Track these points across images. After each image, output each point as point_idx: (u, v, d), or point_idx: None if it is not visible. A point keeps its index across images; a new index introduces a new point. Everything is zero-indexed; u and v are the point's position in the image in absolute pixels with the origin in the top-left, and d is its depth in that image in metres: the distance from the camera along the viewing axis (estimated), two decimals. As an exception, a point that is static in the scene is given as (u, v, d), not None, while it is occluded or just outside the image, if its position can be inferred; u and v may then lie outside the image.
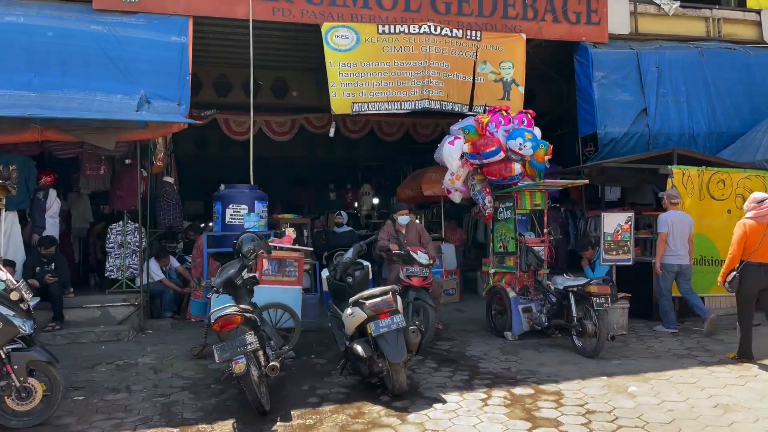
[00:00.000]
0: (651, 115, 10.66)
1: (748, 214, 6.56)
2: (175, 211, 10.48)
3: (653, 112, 10.68)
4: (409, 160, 18.10)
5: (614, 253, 8.27)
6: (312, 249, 9.44)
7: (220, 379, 6.19)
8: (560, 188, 8.50)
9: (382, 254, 8.09)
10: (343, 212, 12.81)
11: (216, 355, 5.20)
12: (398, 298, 5.83)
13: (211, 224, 11.06)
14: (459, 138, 8.82)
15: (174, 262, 10.45)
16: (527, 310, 7.95)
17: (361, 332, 5.92)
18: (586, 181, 8.14)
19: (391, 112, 10.48)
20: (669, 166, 8.95)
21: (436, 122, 14.71)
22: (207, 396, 5.96)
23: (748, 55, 11.36)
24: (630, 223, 8.32)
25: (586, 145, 11.36)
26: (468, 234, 14.34)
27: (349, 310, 5.87)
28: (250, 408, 5.29)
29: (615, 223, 8.26)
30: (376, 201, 20.84)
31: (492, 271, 8.55)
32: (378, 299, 5.69)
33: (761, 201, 6.46)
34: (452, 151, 8.75)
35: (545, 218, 8.19)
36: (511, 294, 7.98)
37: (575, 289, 7.07)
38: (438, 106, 10.40)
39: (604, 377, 6.14)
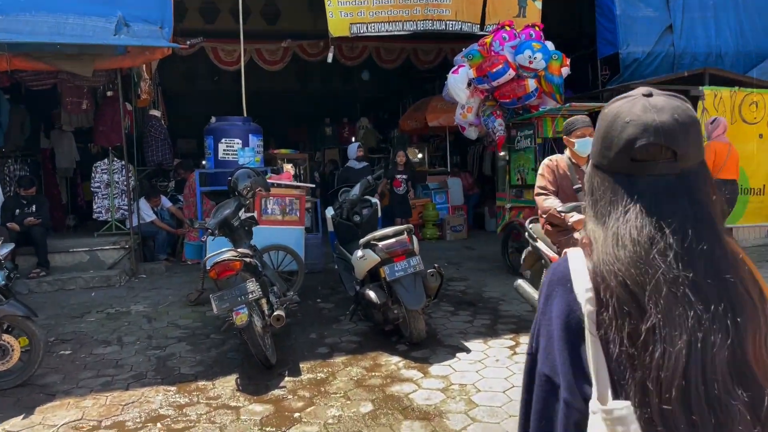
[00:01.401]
0: (677, 33, 9.81)
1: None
2: (164, 147, 9.75)
3: (679, 29, 9.82)
4: (409, 91, 17.18)
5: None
6: (314, 185, 8.81)
7: (221, 330, 5.66)
8: (586, 113, 7.76)
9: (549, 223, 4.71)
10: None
11: (214, 306, 4.64)
12: (414, 238, 5.23)
13: (204, 162, 10.35)
14: (463, 66, 8.02)
15: (165, 202, 9.81)
16: (548, 246, 7.38)
17: (373, 276, 5.36)
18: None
19: (393, 33, 9.58)
20: (701, 87, 8.22)
21: (439, 47, 13.76)
22: (206, 348, 5.44)
23: (782, -36, 10.40)
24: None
25: (601, 69, 10.55)
26: (473, 167, 13.66)
27: (359, 253, 5.27)
28: (254, 361, 4.79)
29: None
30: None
31: (508, 205, 7.95)
32: (392, 240, 5.08)
33: (713, 122, 7.33)
34: (457, 80, 7.96)
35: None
36: (531, 230, 7.39)
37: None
38: (444, 26, 9.52)
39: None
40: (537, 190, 4.66)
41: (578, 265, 1.10)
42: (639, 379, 0.98)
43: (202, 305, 6.73)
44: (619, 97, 1.13)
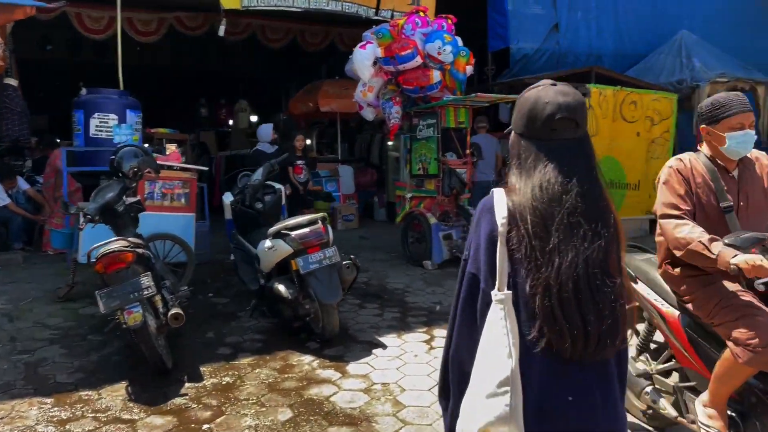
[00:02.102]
0: (562, 32, 10.21)
1: None
2: (22, 121, 8.54)
3: (564, 28, 10.22)
4: (293, 75, 16.56)
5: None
6: (206, 168, 8.08)
7: (103, 330, 4.95)
8: (487, 104, 7.80)
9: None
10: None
11: (101, 304, 4.00)
12: (329, 227, 4.87)
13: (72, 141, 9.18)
14: (371, 42, 7.74)
15: (22, 184, 8.61)
16: (448, 237, 7.32)
17: (280, 268, 4.94)
18: (514, 98, 7.44)
19: (284, 9, 9.07)
20: (587, 85, 8.54)
21: (327, 30, 13.36)
22: (84, 351, 4.74)
23: (653, -25, 11.16)
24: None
25: (490, 64, 10.73)
26: (360, 154, 13.44)
27: (268, 243, 4.83)
28: (146, 365, 4.21)
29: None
30: (254, 118, 19.18)
31: (409, 195, 7.78)
32: (306, 230, 4.70)
33: None
34: (364, 56, 7.66)
35: (468, 137, 7.48)
36: (432, 220, 7.30)
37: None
38: (341, 8, 9.17)
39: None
40: (663, 209, 2.77)
41: (500, 200, 1.59)
42: (542, 280, 1.48)
43: (74, 301, 5.94)
44: (531, 86, 1.62)
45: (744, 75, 10.01)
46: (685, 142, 9.94)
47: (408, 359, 4.53)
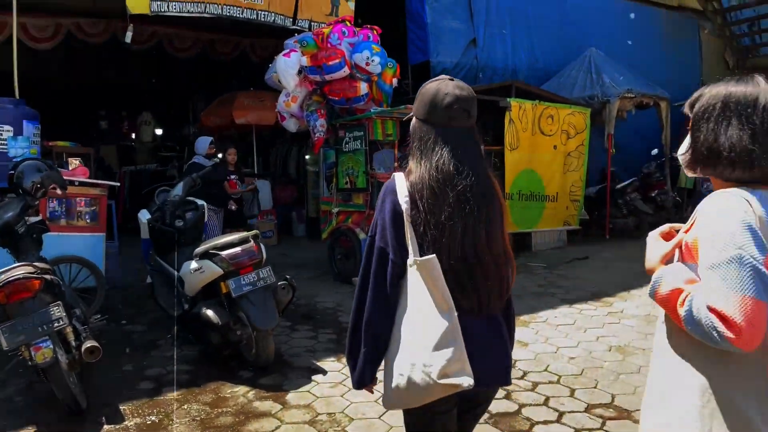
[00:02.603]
0: (479, 46, 10.32)
1: None
2: None
3: (481, 43, 10.34)
4: (201, 86, 15.86)
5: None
6: (118, 184, 7.44)
7: (3, 369, 4.35)
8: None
9: None
10: None
11: (3, 340, 3.49)
12: (262, 246, 4.53)
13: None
14: (295, 51, 7.45)
15: None
16: (377, 252, 7.11)
17: (207, 291, 4.55)
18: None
19: (197, 16, 8.60)
20: (508, 99, 8.65)
21: (238, 40, 12.90)
22: (-21, 394, 4.13)
23: (562, -8, 11.57)
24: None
25: (404, 77, 10.69)
26: (276, 168, 13.02)
27: (194, 265, 4.43)
28: (56, 406, 3.72)
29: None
30: (159, 131, 18.26)
31: (335, 210, 7.52)
32: (237, 249, 4.34)
33: None
34: (288, 64, 7.35)
35: (395, 150, 7.33)
36: (361, 235, 7.06)
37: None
38: (256, 16, 8.84)
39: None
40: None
41: (401, 182, 1.84)
42: (439, 248, 1.77)
43: (-37, 336, 5.22)
44: (432, 79, 1.92)
45: (649, 91, 10.52)
46: (595, 155, 10.32)
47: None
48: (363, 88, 7.13)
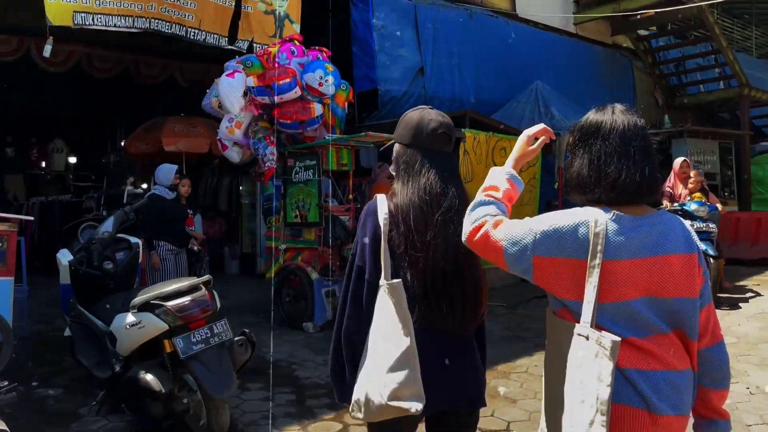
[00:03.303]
0: (427, 75, 9.97)
1: None
2: None
3: (429, 72, 10.00)
4: (122, 112, 14.70)
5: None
6: (32, 218, 6.38)
7: None
8: (371, 144, 7.03)
9: None
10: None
11: None
12: (215, 294, 3.77)
13: None
14: (239, 71, 6.76)
15: None
16: (331, 294, 6.41)
17: (145, 350, 3.72)
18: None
19: (124, 30, 7.74)
20: (463, 130, 8.25)
21: (166, 62, 12.02)
22: None
23: (507, 26, 11.44)
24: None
25: (351, 106, 10.21)
26: (205, 199, 12.08)
27: (131, 318, 3.61)
28: None
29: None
30: (73, 160, 16.85)
31: (283, 247, 6.77)
32: (187, 298, 3.56)
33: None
34: (233, 85, 6.63)
35: (350, 181, 6.72)
36: (313, 275, 6.36)
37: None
38: (185, 33, 8.07)
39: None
40: None
41: (382, 204, 1.93)
42: (421, 267, 1.85)
43: None
44: (413, 108, 2.08)
45: (594, 125, 10.46)
46: (546, 189, 10.09)
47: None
48: (318, 108, 6.51)
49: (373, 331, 1.85)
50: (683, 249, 1.58)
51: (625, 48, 14.49)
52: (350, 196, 6.74)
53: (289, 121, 6.50)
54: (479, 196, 1.75)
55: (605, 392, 1.48)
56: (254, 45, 8.45)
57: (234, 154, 6.96)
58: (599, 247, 1.52)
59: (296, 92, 6.37)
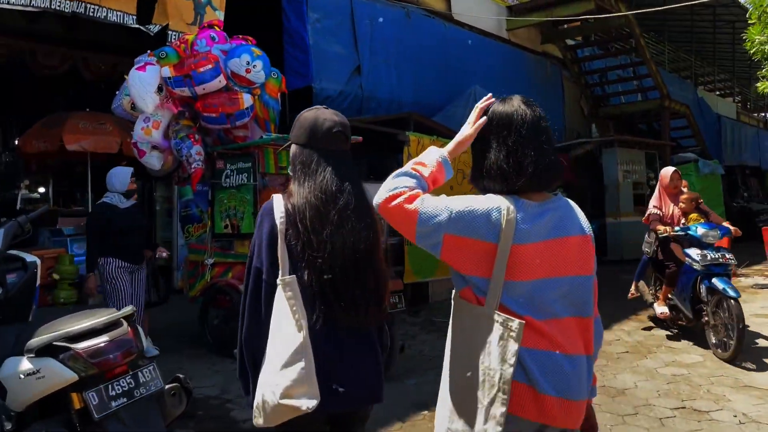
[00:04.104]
0: (365, 74, 9.34)
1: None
2: None
3: (367, 71, 9.38)
4: (14, 106, 13.03)
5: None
6: None
7: None
8: None
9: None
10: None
11: None
12: (140, 329, 2.95)
13: None
14: (152, 64, 5.84)
15: None
16: (267, 314, 5.62)
17: (46, 405, 2.85)
18: (359, 138, 6.03)
19: (18, 7, 6.59)
20: (407, 132, 7.69)
21: (67, 52, 10.65)
22: None
23: (444, 27, 11.02)
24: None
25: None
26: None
27: (27, 364, 2.71)
28: None
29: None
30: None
31: (210, 261, 5.91)
32: (102, 339, 2.71)
33: None
34: (145, 80, 5.66)
35: (290, 186, 5.96)
36: (247, 294, 5.55)
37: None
38: (84, 10, 6.93)
39: (425, 412, 4.36)
40: None
41: (278, 203, 1.95)
42: (318, 265, 1.86)
43: None
44: (308, 109, 2.09)
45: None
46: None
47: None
48: (247, 99, 5.71)
49: (271, 331, 1.86)
50: (579, 231, 1.71)
51: (554, 57, 14.50)
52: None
53: (214, 115, 5.64)
54: (406, 167, 1.77)
55: (508, 372, 1.57)
56: (169, 33, 7.50)
57: (154, 160, 5.96)
58: (511, 233, 1.60)
59: (220, 81, 5.54)
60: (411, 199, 1.65)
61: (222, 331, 5.75)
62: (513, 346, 1.55)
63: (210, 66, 5.50)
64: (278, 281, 1.85)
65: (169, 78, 5.65)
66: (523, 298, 1.59)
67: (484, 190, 1.75)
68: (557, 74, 14.30)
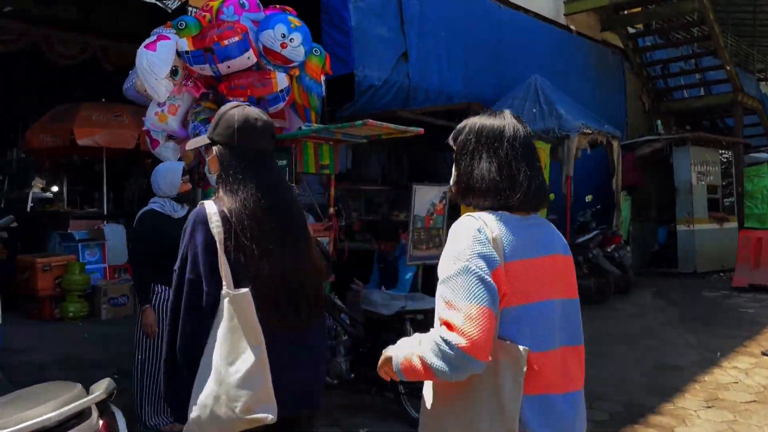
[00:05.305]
0: (412, 62, 8.24)
1: None
2: None
3: (414, 58, 8.28)
4: (29, 98, 12.17)
5: (424, 246, 5.37)
6: None
7: None
8: (364, 140, 5.14)
9: None
10: None
11: None
12: (119, 415, 1.89)
13: None
14: (167, 38, 4.78)
15: None
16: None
17: None
18: (421, 130, 4.95)
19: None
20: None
21: (86, 40, 9.75)
22: None
23: (499, 9, 9.88)
24: (444, 201, 5.55)
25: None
26: (134, 210, 9.90)
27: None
28: None
29: (428, 200, 5.38)
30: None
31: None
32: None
33: None
34: (154, 59, 4.59)
35: (332, 189, 4.89)
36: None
37: (420, 316, 3.98)
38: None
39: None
40: None
41: (212, 211, 1.85)
42: (258, 276, 1.81)
43: None
44: (230, 105, 2.00)
45: (600, 127, 9.01)
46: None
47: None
48: (282, 80, 4.66)
49: (218, 344, 1.78)
50: (564, 250, 1.67)
51: (615, 46, 13.22)
52: (332, 210, 4.89)
53: (242, 99, 4.59)
54: (411, 358, 1.54)
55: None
56: (189, 9, 6.51)
57: (168, 151, 4.91)
58: (501, 251, 1.52)
59: (249, 57, 4.49)
60: (451, 324, 1.45)
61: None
62: (519, 390, 1.49)
63: (237, 38, 4.45)
64: (227, 293, 1.78)
65: (186, 52, 4.61)
66: (516, 326, 1.52)
67: (470, 207, 1.66)
68: (619, 65, 13.01)
